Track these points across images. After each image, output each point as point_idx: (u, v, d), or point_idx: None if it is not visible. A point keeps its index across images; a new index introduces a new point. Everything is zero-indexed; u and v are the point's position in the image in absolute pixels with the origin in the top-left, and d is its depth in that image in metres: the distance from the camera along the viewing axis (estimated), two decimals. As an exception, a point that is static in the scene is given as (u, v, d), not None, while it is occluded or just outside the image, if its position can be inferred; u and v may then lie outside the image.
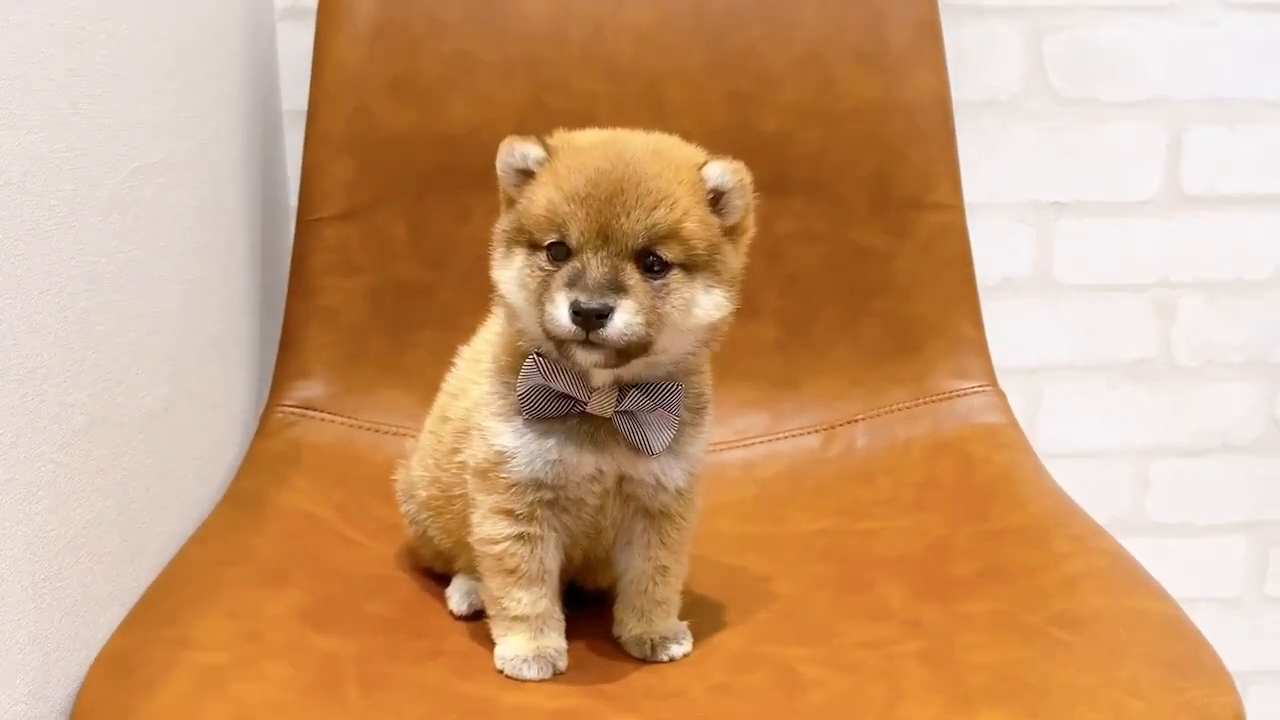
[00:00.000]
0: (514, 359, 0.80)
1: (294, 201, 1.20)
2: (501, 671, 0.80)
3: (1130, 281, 1.40)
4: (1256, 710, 1.52)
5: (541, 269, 0.74)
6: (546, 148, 0.76)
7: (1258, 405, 1.44)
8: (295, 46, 1.27)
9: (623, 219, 0.73)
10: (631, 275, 0.73)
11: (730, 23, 1.17)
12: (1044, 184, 1.37)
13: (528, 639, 0.80)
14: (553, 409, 0.78)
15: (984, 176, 1.33)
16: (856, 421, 1.16)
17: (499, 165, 0.78)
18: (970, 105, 1.32)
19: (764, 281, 1.14)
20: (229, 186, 1.10)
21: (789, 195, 1.15)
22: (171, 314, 0.95)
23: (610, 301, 0.71)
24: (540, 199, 0.74)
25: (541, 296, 0.74)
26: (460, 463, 0.83)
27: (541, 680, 0.79)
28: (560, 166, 0.75)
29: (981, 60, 1.33)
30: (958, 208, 1.18)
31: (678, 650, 0.83)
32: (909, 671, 0.79)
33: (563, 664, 0.81)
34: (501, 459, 0.79)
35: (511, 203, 0.78)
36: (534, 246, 0.75)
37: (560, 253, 0.74)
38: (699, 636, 0.85)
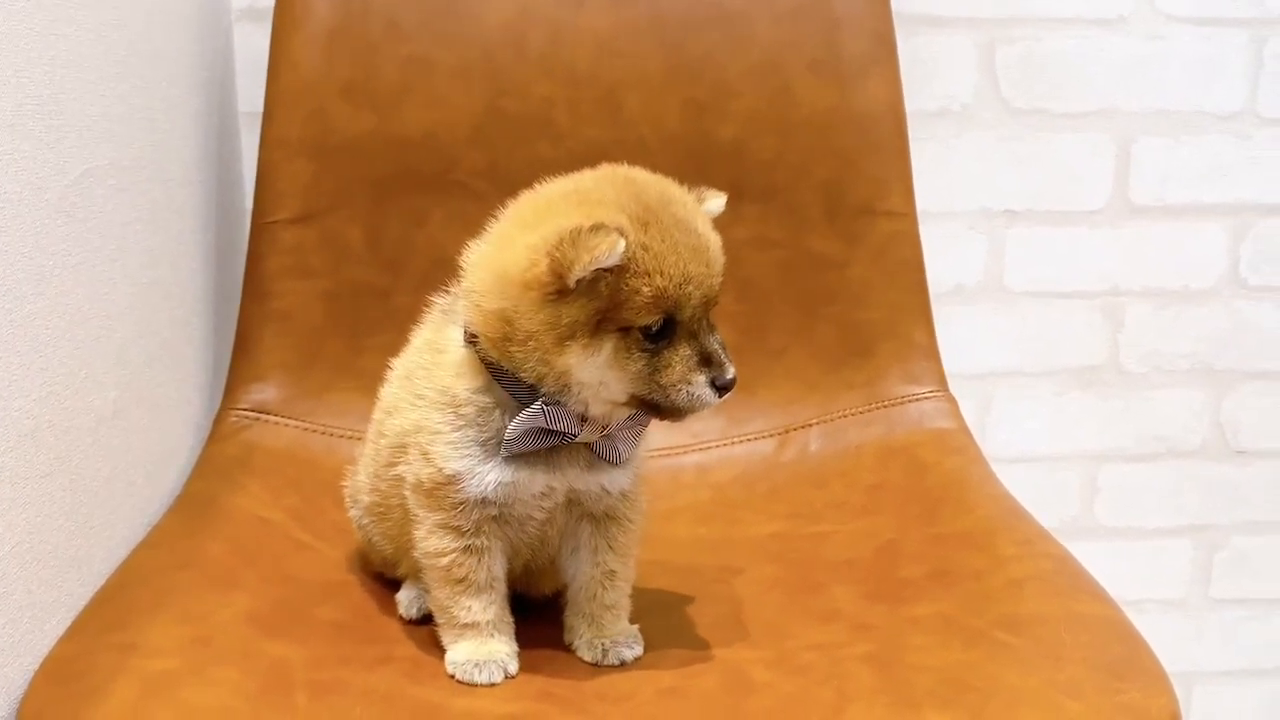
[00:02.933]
0: (474, 392, 0.78)
1: (249, 204, 1.19)
2: (453, 676, 0.80)
3: (1079, 289, 1.42)
4: (1200, 709, 1.57)
5: (644, 350, 0.74)
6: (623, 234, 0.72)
7: (1203, 411, 1.47)
8: (252, 48, 1.26)
9: (715, 285, 0.76)
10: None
11: (688, 31, 1.18)
12: (995, 193, 1.39)
13: (478, 644, 0.81)
14: (539, 443, 0.78)
15: (936, 185, 1.35)
16: (810, 426, 1.17)
17: (585, 268, 0.71)
18: (923, 115, 1.34)
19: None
20: (182, 188, 1.10)
21: (744, 202, 1.16)
22: (121, 317, 0.94)
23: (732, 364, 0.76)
24: (644, 288, 0.73)
25: (653, 376, 0.75)
26: (395, 477, 0.83)
27: (492, 684, 0.79)
28: (653, 253, 0.73)
29: (935, 70, 1.35)
30: (910, 215, 1.19)
31: (629, 654, 0.83)
32: (857, 674, 0.80)
33: (514, 667, 0.81)
34: (450, 481, 0.79)
35: (569, 292, 0.73)
36: (625, 329, 0.74)
37: (662, 328, 0.74)
38: (650, 639, 0.85)
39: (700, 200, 0.80)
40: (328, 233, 1.16)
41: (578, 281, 0.72)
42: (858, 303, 1.19)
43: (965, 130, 1.37)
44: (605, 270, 0.72)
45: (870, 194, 1.18)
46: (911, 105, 1.22)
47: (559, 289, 0.73)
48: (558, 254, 0.71)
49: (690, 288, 0.74)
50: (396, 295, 1.16)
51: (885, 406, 1.16)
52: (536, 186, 0.80)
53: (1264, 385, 1.47)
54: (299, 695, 0.77)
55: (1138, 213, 1.41)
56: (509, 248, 0.76)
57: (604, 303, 0.73)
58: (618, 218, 0.73)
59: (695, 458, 1.17)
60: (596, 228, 0.71)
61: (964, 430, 1.14)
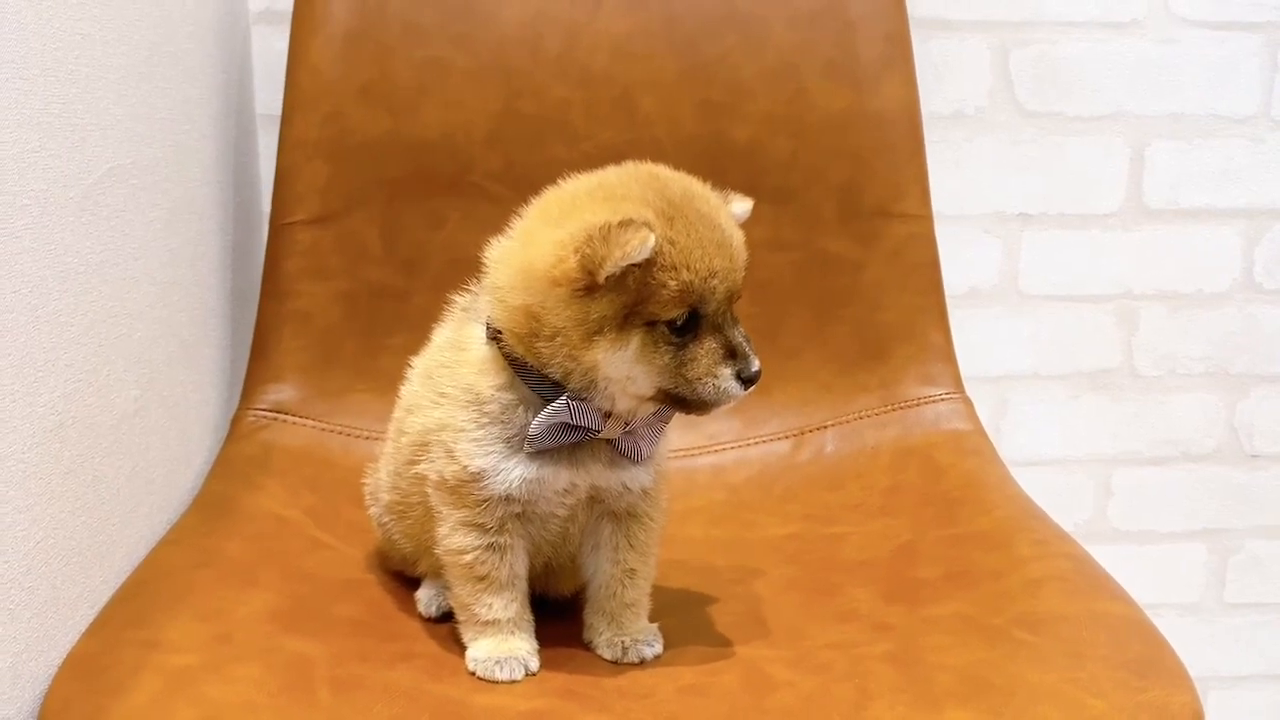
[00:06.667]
0: (497, 389, 0.79)
1: (267, 205, 1.20)
2: (473, 673, 0.80)
3: (1093, 292, 1.42)
4: (1215, 715, 1.56)
5: (671, 343, 0.75)
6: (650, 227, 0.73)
7: (1217, 415, 1.47)
8: (270, 50, 1.27)
9: (738, 278, 0.77)
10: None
11: (703, 33, 1.18)
12: (1010, 196, 1.39)
13: (499, 641, 0.81)
14: (563, 439, 0.78)
15: (951, 187, 1.35)
16: (826, 428, 1.17)
17: (616, 264, 0.71)
18: (938, 117, 1.34)
19: (735, 289, 1.15)
20: (202, 189, 1.10)
21: (759, 203, 1.15)
22: (143, 316, 0.94)
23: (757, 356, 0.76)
24: (671, 282, 0.73)
25: (679, 369, 0.75)
26: (416, 475, 0.83)
27: (513, 681, 0.80)
28: (680, 247, 0.73)
29: (949, 74, 1.35)
30: (926, 217, 1.20)
31: (649, 651, 0.83)
32: (876, 672, 0.80)
33: (534, 665, 0.81)
34: (475, 479, 0.79)
35: (597, 287, 0.73)
36: (651, 323, 0.74)
37: (687, 322, 0.75)
38: (670, 638, 0.85)
39: (726, 200, 0.80)
40: (345, 234, 1.17)
41: (607, 277, 0.72)
42: (873, 304, 1.19)
43: (979, 133, 1.37)
44: (633, 265, 0.72)
45: (886, 196, 1.19)
46: (926, 108, 1.22)
47: (588, 285, 0.73)
48: (588, 250, 0.71)
49: (715, 281, 0.75)
50: (413, 296, 1.17)
51: (901, 408, 1.16)
52: (560, 183, 0.80)
53: (1278, 389, 1.46)
54: (320, 691, 0.77)
55: (1152, 216, 1.41)
56: (535, 244, 0.76)
57: (631, 297, 0.73)
58: (644, 212, 0.73)
59: (710, 459, 1.17)
60: (626, 223, 0.71)
61: (980, 432, 1.14)
